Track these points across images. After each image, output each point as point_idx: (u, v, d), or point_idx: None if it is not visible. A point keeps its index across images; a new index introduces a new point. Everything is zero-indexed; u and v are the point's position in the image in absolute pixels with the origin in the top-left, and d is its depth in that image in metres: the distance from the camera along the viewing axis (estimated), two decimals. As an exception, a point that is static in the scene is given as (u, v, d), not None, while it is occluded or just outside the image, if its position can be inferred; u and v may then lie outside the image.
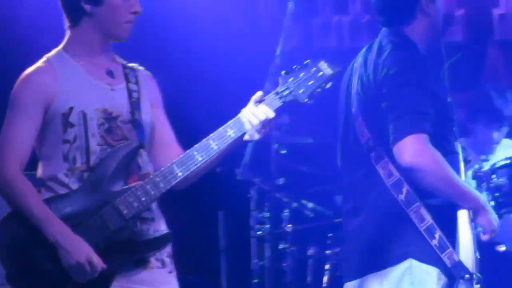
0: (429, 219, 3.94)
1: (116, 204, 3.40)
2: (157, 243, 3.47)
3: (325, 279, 5.85)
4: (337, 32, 7.22)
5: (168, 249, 3.57)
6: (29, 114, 3.42)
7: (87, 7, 3.48)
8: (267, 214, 5.80)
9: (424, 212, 3.94)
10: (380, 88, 4.03)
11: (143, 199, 3.42)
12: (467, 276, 3.93)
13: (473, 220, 4.05)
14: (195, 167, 3.47)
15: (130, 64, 3.67)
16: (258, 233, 5.84)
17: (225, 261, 6.17)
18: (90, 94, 3.49)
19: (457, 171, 4.10)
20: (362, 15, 7.19)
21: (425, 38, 4.22)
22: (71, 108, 3.44)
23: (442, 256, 3.93)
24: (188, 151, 3.49)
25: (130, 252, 3.42)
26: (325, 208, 6.06)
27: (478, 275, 3.98)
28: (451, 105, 4.17)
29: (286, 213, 5.96)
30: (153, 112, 3.63)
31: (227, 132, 3.50)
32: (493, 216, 4.08)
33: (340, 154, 4.26)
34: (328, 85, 3.69)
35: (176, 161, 3.46)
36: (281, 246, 5.90)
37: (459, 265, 3.94)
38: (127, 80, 3.59)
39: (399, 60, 4.06)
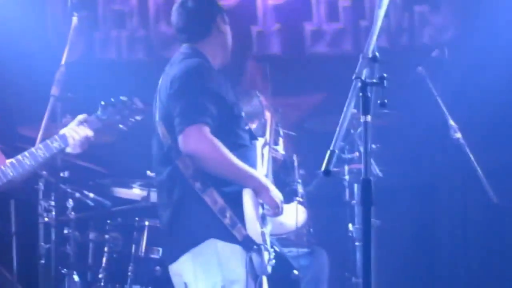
0: (220, 202, 4.23)
1: None
2: None
3: (104, 259, 6.16)
4: (116, 45, 7.56)
5: None
6: None
7: None
8: (53, 203, 5.90)
9: (216, 196, 4.23)
10: (170, 91, 4.33)
11: None
12: (255, 247, 4.25)
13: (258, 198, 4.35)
14: (23, 170, 3.98)
15: None
16: (45, 219, 5.91)
17: (16, 245, 6.20)
18: None
19: (252, 161, 4.41)
20: (138, 30, 7.56)
21: (217, 52, 4.58)
22: None
23: (233, 232, 4.22)
24: (19, 156, 3.95)
25: None
26: (103, 198, 6.33)
27: (265, 245, 4.30)
28: (239, 107, 4.48)
29: (69, 202, 6.13)
30: None
31: (53, 144, 3.97)
32: (274, 193, 4.38)
33: (153, 159, 4.48)
34: (139, 117, 4.17)
35: (9, 164, 3.95)
36: (65, 231, 6.08)
37: (248, 238, 4.24)
38: None
39: (186, 66, 4.39)
